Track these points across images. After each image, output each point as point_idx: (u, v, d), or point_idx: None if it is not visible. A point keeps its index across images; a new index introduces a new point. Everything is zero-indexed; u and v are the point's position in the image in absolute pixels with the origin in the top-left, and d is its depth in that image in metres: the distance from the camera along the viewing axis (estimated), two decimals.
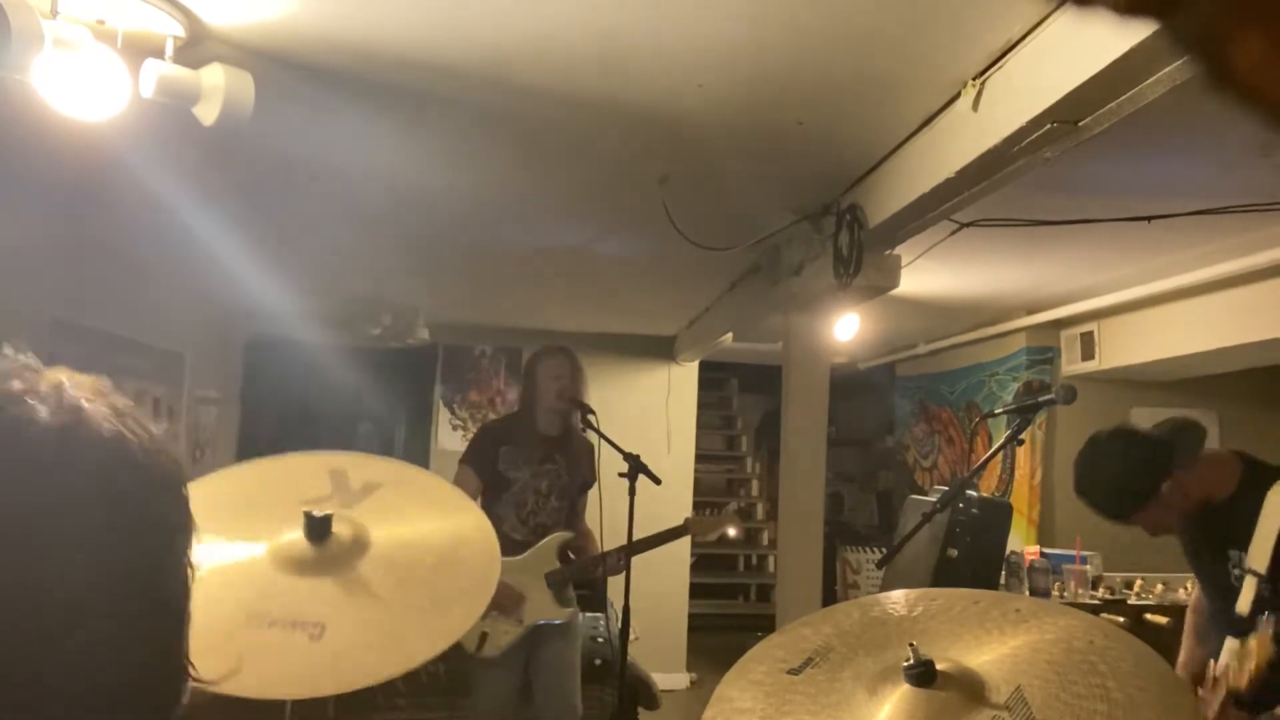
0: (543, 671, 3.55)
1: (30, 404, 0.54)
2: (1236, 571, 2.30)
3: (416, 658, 1.47)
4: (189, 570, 0.60)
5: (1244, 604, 2.16)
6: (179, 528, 0.59)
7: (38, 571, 0.51)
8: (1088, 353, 5.45)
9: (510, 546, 3.39)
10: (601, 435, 3.43)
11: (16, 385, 0.54)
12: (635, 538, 3.30)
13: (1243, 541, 2.25)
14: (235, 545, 1.51)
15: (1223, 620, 2.42)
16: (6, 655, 0.50)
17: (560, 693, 3.56)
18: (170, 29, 2.22)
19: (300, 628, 1.41)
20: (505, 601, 3.34)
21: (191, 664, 0.60)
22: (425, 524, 1.75)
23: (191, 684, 0.60)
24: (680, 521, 3.60)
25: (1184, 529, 2.47)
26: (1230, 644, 2.16)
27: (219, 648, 1.31)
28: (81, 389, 0.57)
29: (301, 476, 1.71)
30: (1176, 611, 3.92)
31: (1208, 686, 2.01)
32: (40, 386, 0.55)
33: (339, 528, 1.56)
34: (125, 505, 0.56)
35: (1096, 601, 4.66)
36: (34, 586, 0.51)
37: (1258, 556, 2.16)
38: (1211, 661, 2.20)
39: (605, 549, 3.54)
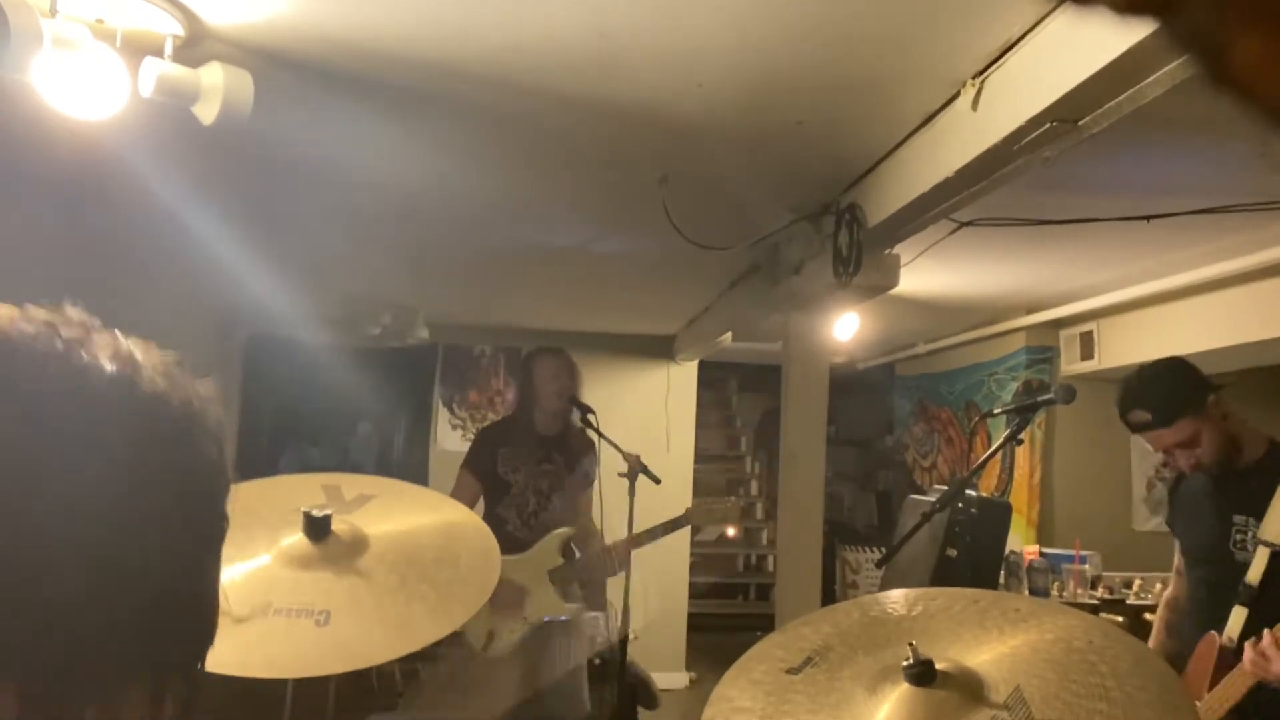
0: (549, 668, 3.55)
1: (89, 353, 0.57)
2: (1239, 536, 2.31)
3: (423, 639, 1.48)
4: (225, 525, 0.63)
5: (1254, 575, 2.19)
6: (221, 483, 0.62)
7: (77, 521, 0.53)
8: (1087, 352, 5.45)
9: (514, 546, 3.39)
10: (601, 435, 3.43)
11: (73, 333, 0.57)
12: (635, 528, 3.31)
13: (1253, 509, 2.28)
14: (236, 551, 1.52)
15: (1204, 595, 2.43)
16: (36, 617, 0.51)
17: (567, 689, 3.56)
18: (169, 28, 2.22)
19: (306, 615, 1.42)
20: (508, 598, 3.35)
21: (225, 598, 0.63)
22: (421, 521, 1.76)
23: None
24: (681, 512, 3.61)
25: (1196, 484, 2.49)
26: (1239, 612, 2.17)
27: (222, 636, 1.32)
28: (137, 347, 0.60)
29: (296, 492, 1.72)
30: None
31: (1267, 644, 2.02)
32: (98, 338, 0.58)
33: (338, 527, 1.57)
34: (172, 457, 0.58)
35: (1095, 601, 4.66)
36: (71, 534, 0.53)
37: (1273, 529, 2.18)
38: (1214, 634, 2.22)
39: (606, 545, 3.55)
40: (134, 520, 0.55)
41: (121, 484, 0.55)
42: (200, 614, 0.61)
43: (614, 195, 3.66)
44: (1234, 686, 2.11)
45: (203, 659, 0.61)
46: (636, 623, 3.55)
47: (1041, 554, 4.93)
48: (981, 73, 2.34)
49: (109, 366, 0.56)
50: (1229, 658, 2.17)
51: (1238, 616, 2.21)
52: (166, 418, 0.58)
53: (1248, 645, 2.10)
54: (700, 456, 7.69)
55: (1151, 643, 2.68)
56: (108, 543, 0.53)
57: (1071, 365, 5.58)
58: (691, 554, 7.34)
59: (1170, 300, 4.68)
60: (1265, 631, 2.12)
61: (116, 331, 0.60)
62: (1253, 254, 3.94)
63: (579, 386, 3.59)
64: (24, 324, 0.56)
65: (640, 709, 4.91)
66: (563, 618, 3.49)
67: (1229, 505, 2.37)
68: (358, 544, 1.58)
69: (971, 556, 3.38)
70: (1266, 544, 2.20)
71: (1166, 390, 2.38)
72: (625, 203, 3.72)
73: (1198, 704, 2.16)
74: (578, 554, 3.59)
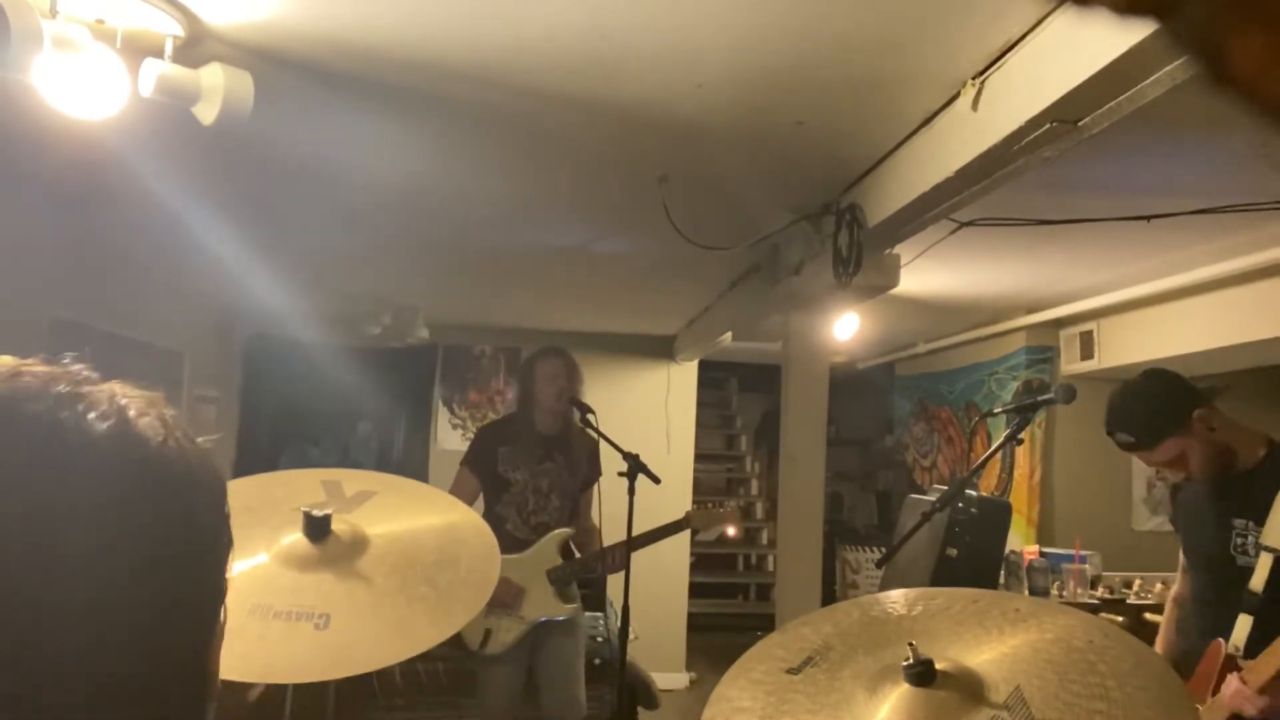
0: (547, 668, 3.55)
1: (80, 408, 0.55)
2: (1240, 541, 2.31)
3: (424, 643, 1.47)
4: (223, 581, 0.61)
5: (1258, 581, 2.18)
6: (217, 537, 0.60)
7: (70, 564, 0.52)
8: (1087, 352, 5.45)
9: (513, 545, 3.40)
10: (601, 435, 3.44)
11: (67, 389, 0.56)
12: (635, 534, 3.31)
13: (1253, 513, 2.27)
14: (235, 550, 1.51)
15: (1210, 598, 2.43)
16: (26, 649, 0.51)
17: (564, 689, 3.57)
18: (169, 28, 2.22)
19: (305, 618, 1.42)
20: (506, 597, 3.35)
21: (217, 676, 0.61)
22: (422, 522, 1.76)
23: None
24: (681, 515, 3.61)
25: (1196, 490, 2.48)
26: (1244, 620, 2.17)
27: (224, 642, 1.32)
28: (132, 398, 0.58)
29: (296, 488, 1.72)
30: None
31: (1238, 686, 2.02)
32: (93, 393, 0.57)
33: (338, 527, 1.56)
34: (165, 508, 0.57)
35: (1095, 601, 4.66)
36: (63, 577, 0.52)
37: (1276, 534, 2.17)
38: (1221, 641, 2.21)
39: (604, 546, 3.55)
40: (118, 582, 0.54)
41: (105, 545, 0.53)
42: (192, 683, 0.59)
43: (614, 195, 3.66)
44: (1218, 709, 2.11)
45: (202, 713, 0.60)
46: (636, 623, 3.54)
47: (1041, 554, 4.93)
48: (981, 73, 2.34)
49: (99, 425, 0.55)
50: (1234, 666, 2.17)
51: (1243, 624, 2.19)
52: (157, 477, 0.57)
53: (1234, 675, 2.10)
54: (700, 456, 7.69)
55: (1160, 640, 2.68)
56: (93, 599, 0.53)
57: (1071, 365, 5.58)
58: (691, 554, 7.34)
59: (1170, 300, 4.68)
60: (1219, 641, 2.16)
61: (116, 386, 0.59)
62: (1253, 254, 3.94)
63: (580, 386, 3.59)
64: (16, 379, 0.56)
65: (640, 709, 4.91)
66: (560, 618, 3.49)
67: (1228, 509, 2.36)
68: (358, 545, 1.58)
69: (971, 556, 3.39)
70: (1269, 549, 2.19)
71: (1146, 413, 2.37)
72: (625, 203, 3.72)
73: (1200, 708, 2.15)
74: (576, 554, 3.59)
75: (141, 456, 0.56)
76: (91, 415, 0.55)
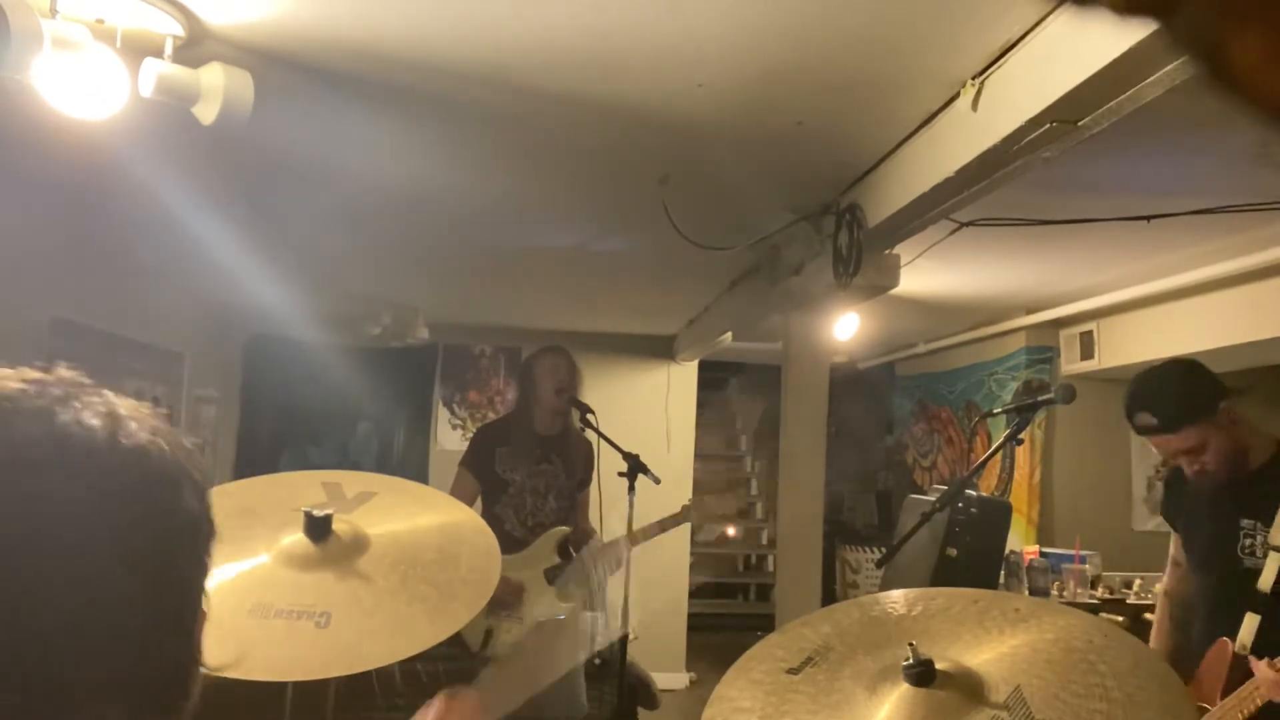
0: (546, 668, 3.55)
1: (75, 409, 0.58)
2: (1248, 541, 2.29)
3: (424, 642, 1.47)
4: (206, 565, 0.64)
5: (1266, 581, 2.17)
6: (199, 525, 0.64)
7: (61, 564, 0.55)
8: (1087, 352, 5.45)
9: (511, 545, 3.40)
10: (601, 435, 3.43)
11: (59, 392, 0.59)
12: (634, 527, 3.31)
13: (1262, 513, 2.25)
14: (235, 550, 1.51)
15: (1212, 598, 2.42)
16: (21, 646, 0.53)
17: (566, 690, 3.56)
18: (169, 28, 2.22)
19: (306, 617, 1.42)
20: (504, 596, 3.35)
21: (202, 661, 0.64)
22: (422, 521, 1.76)
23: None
24: (678, 509, 3.61)
25: (1201, 490, 2.46)
26: (1251, 619, 2.16)
27: (222, 638, 1.32)
28: (122, 404, 0.62)
29: (297, 489, 1.72)
30: None
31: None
32: (84, 397, 0.60)
33: (339, 527, 1.57)
34: (154, 498, 0.60)
35: (1095, 601, 4.66)
36: (61, 565, 0.55)
37: None
38: (1227, 641, 2.20)
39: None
40: (112, 569, 0.56)
41: (100, 534, 0.56)
42: (178, 664, 0.62)
43: (614, 195, 3.66)
44: (1247, 700, 2.09)
45: (181, 709, 0.62)
46: (636, 623, 3.54)
47: (1041, 554, 4.93)
48: (981, 73, 2.34)
49: (93, 423, 0.58)
50: (1242, 665, 2.16)
51: (1250, 624, 2.18)
52: (149, 471, 0.60)
53: (1265, 664, 2.07)
54: (700, 456, 7.69)
55: (1155, 637, 2.66)
56: (87, 587, 0.55)
57: (1071, 365, 5.58)
58: (691, 554, 7.34)
59: (1170, 300, 4.68)
60: (1225, 641, 2.14)
61: (106, 390, 0.62)
62: (1253, 254, 3.94)
63: (579, 386, 3.59)
64: (10, 382, 0.58)
65: (640, 709, 4.91)
66: (559, 617, 3.49)
67: (1236, 509, 2.34)
68: (358, 544, 1.58)
69: (971, 556, 3.39)
70: (1278, 549, 2.19)
71: (1177, 396, 2.33)
72: (625, 203, 3.72)
73: (1210, 708, 2.15)
74: (574, 554, 3.59)
75: (133, 452, 0.59)
76: (86, 415, 0.58)
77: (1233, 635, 2.21)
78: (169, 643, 0.61)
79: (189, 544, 0.62)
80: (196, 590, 0.63)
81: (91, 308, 4.25)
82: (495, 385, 7.11)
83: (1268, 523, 2.23)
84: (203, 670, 0.64)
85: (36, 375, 0.60)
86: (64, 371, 0.61)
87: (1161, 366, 2.43)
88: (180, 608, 0.62)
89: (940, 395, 7.09)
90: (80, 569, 0.55)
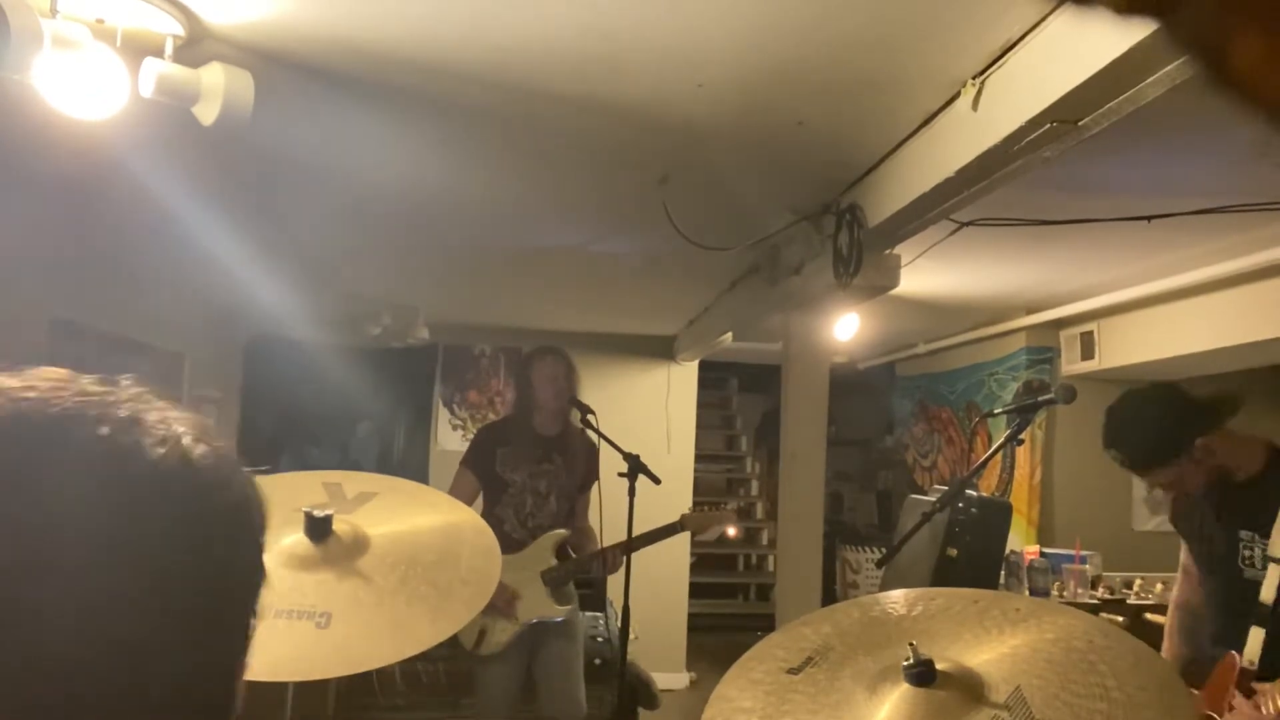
0: (546, 668, 3.55)
1: (136, 434, 0.55)
2: (1247, 553, 2.29)
3: (424, 642, 1.48)
4: (255, 611, 0.61)
5: (1268, 593, 2.15)
6: (255, 568, 0.61)
7: (119, 589, 0.52)
8: (1087, 352, 5.45)
9: (510, 546, 3.39)
10: (601, 435, 3.43)
11: (125, 413, 0.55)
12: (633, 536, 3.31)
13: (1259, 524, 2.24)
14: None
15: (1219, 608, 2.41)
16: (65, 666, 0.51)
17: (564, 690, 3.56)
18: (170, 28, 2.22)
19: (306, 617, 1.42)
20: (498, 600, 3.34)
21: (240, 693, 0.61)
22: (422, 522, 1.76)
23: None
24: (677, 518, 3.61)
25: (1199, 501, 2.45)
26: (1256, 633, 2.15)
27: None
28: (185, 424, 0.58)
29: (297, 490, 1.72)
30: None
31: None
32: (148, 417, 0.56)
33: (339, 527, 1.57)
34: (212, 547, 0.57)
35: (1096, 601, 4.66)
36: (112, 602, 0.52)
37: None
38: (1235, 655, 2.20)
39: (602, 547, 3.55)
40: (157, 615, 0.54)
41: (146, 576, 0.53)
42: (218, 707, 0.59)
43: (614, 195, 3.66)
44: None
45: None
46: (637, 623, 3.54)
47: (1042, 554, 4.93)
48: (982, 73, 2.34)
49: (157, 451, 0.55)
50: (1249, 680, 2.15)
51: (1255, 638, 2.16)
52: (208, 506, 0.57)
53: (1252, 705, 2.06)
54: (700, 457, 7.69)
55: (1166, 648, 2.64)
56: (128, 633, 0.53)
57: (1072, 365, 5.58)
58: (691, 554, 7.34)
59: (1170, 300, 4.68)
60: (1232, 654, 2.12)
61: (170, 411, 0.58)
62: (1253, 254, 3.94)
63: (578, 386, 3.59)
64: (74, 395, 0.55)
65: (640, 709, 4.91)
66: (555, 619, 3.49)
67: (1233, 521, 2.33)
68: (358, 544, 1.58)
69: (972, 556, 3.39)
70: (1277, 561, 2.18)
71: (1144, 439, 2.29)
72: (625, 203, 3.72)
73: (1218, 718, 2.14)
74: (572, 556, 3.59)
75: (195, 486, 0.56)
76: (148, 441, 0.55)
77: (1240, 646, 2.20)
78: (210, 683, 0.58)
79: (240, 583, 0.60)
80: (243, 630, 0.60)
81: (91, 308, 4.25)
82: (495, 385, 7.11)
83: (1265, 534, 2.22)
84: None
85: (99, 387, 0.56)
86: (126, 383, 0.58)
87: (1136, 399, 2.36)
88: (227, 647, 0.59)
89: (940, 395, 7.09)
90: (132, 608, 0.52)
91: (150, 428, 0.55)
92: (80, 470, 0.53)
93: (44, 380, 0.55)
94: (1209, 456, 2.27)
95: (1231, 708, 2.13)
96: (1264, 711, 2.01)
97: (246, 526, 0.60)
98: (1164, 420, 2.30)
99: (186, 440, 0.57)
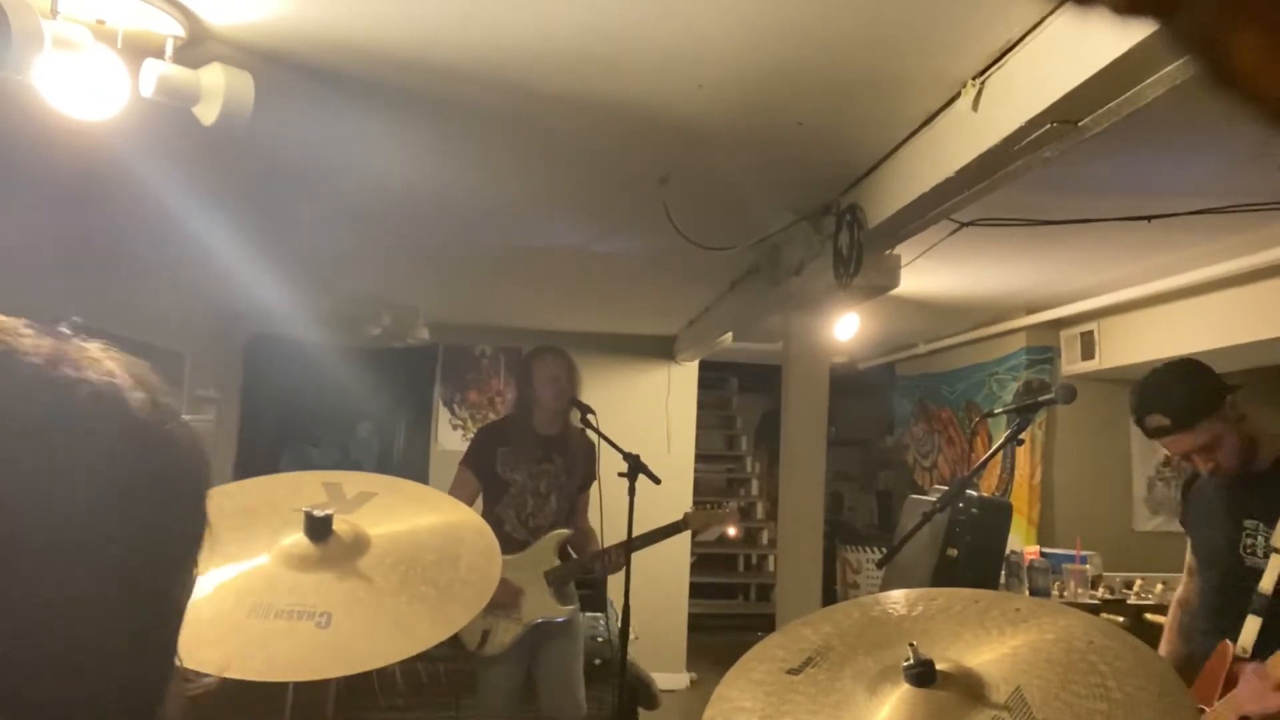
0: (546, 669, 3.55)
1: (79, 365, 0.55)
2: (1249, 541, 2.30)
3: (424, 642, 1.48)
4: (194, 569, 0.60)
5: (1268, 583, 2.17)
6: (195, 522, 0.60)
7: (60, 516, 0.52)
8: (1088, 352, 5.45)
9: (511, 546, 3.39)
10: (601, 435, 3.43)
11: (72, 348, 0.56)
12: (634, 535, 3.30)
13: (1265, 513, 2.26)
14: (236, 550, 1.52)
15: (1217, 598, 2.42)
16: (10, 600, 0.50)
17: (564, 690, 3.56)
18: (170, 29, 2.23)
19: (307, 617, 1.42)
20: (503, 599, 3.34)
21: (180, 661, 0.60)
22: (422, 522, 1.76)
23: (201, 677, 0.60)
24: (679, 517, 3.61)
25: (1210, 494, 2.46)
26: (1253, 621, 2.16)
27: (222, 639, 1.33)
28: (122, 369, 0.58)
29: (297, 489, 1.72)
30: None
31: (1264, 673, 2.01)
32: (84, 359, 0.57)
33: (339, 527, 1.57)
34: (144, 490, 0.56)
35: (1096, 601, 4.66)
36: (54, 531, 0.52)
37: None
38: (1228, 643, 2.20)
39: (604, 547, 3.55)
40: (122, 525, 0.54)
41: (108, 491, 0.54)
42: (174, 625, 0.59)
43: (614, 195, 3.66)
44: (1232, 707, 2.10)
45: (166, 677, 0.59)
46: (637, 623, 3.54)
47: (1042, 554, 4.93)
48: (982, 73, 2.34)
49: (96, 380, 0.56)
50: (1241, 667, 2.16)
51: (1251, 626, 2.18)
52: (151, 425, 0.57)
53: (1252, 669, 2.07)
54: (700, 457, 7.69)
55: (1163, 644, 2.66)
56: (99, 544, 0.53)
57: (1072, 365, 5.58)
58: (692, 554, 7.34)
59: (1170, 300, 4.68)
60: (1226, 643, 2.15)
61: (102, 345, 0.59)
62: (1253, 254, 3.94)
63: (579, 386, 3.59)
64: (19, 337, 0.56)
65: (641, 709, 4.91)
66: (558, 619, 3.49)
67: (1240, 509, 2.34)
68: (359, 544, 1.58)
69: (972, 556, 3.39)
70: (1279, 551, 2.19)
71: (1185, 393, 2.33)
72: (625, 203, 3.72)
73: (1206, 710, 2.15)
74: (574, 556, 3.59)
75: (132, 421, 0.56)
76: (90, 372, 0.56)
77: (1234, 636, 2.21)
78: (174, 605, 0.58)
79: (176, 536, 0.59)
80: (179, 589, 0.59)
81: (91, 308, 4.25)
82: (495, 385, 7.11)
83: (1270, 524, 2.23)
84: (197, 674, 0.62)
85: (39, 328, 0.57)
86: (67, 325, 0.58)
87: (1164, 367, 2.42)
88: (160, 607, 0.58)
89: (941, 395, 7.09)
90: (73, 534, 0.52)
91: (90, 361, 0.56)
92: (30, 400, 0.53)
93: None
94: (1240, 420, 2.30)
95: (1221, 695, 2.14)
96: (1267, 679, 2.02)
97: (183, 480, 0.59)
98: (1200, 376, 2.36)
99: (123, 384, 0.57)
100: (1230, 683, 2.16)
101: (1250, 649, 2.17)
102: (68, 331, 0.59)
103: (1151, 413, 2.34)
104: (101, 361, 0.58)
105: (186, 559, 0.60)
